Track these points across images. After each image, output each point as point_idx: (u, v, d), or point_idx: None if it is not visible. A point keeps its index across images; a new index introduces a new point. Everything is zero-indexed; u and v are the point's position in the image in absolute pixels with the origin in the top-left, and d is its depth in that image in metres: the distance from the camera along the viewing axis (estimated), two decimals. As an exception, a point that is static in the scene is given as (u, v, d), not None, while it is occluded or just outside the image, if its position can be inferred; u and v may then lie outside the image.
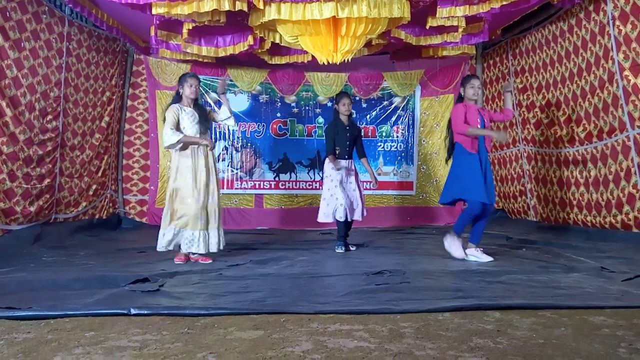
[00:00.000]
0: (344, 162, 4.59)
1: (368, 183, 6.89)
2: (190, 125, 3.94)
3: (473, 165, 3.82)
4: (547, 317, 2.27)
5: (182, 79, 4.03)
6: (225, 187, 6.72)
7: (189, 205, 3.83)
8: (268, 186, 6.85)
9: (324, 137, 4.79)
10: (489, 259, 3.79)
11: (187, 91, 3.96)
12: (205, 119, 4.03)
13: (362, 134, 4.92)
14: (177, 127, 3.89)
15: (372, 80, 6.96)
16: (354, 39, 4.32)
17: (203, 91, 6.72)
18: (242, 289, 2.93)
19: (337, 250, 4.49)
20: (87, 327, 2.17)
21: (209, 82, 6.73)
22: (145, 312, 2.36)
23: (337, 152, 4.56)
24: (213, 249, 3.91)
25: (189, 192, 3.84)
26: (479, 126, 3.91)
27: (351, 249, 4.62)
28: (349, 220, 4.54)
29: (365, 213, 4.70)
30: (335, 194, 4.51)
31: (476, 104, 4.01)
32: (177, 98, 4.05)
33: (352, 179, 4.66)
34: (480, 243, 3.95)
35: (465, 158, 3.88)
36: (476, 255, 3.85)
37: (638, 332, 2.02)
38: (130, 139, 6.71)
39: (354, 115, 6.86)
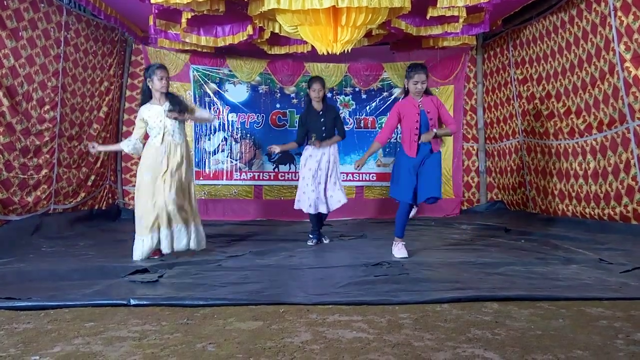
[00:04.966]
0: (320, 149, 4.46)
1: (365, 174, 6.94)
2: (155, 124, 3.67)
3: (404, 167, 3.69)
4: (545, 308, 2.28)
5: (149, 71, 3.66)
6: (224, 178, 6.72)
7: (146, 205, 3.58)
8: (267, 177, 6.84)
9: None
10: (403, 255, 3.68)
11: (158, 84, 3.64)
12: (178, 106, 3.69)
13: (340, 115, 4.70)
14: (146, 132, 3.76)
15: (372, 71, 6.92)
16: (354, 29, 4.28)
17: (202, 81, 6.70)
18: (241, 280, 2.94)
19: (308, 243, 4.45)
20: (86, 318, 2.18)
21: (208, 73, 6.70)
22: (145, 302, 2.37)
23: (313, 138, 4.50)
24: (180, 247, 3.64)
25: (146, 191, 3.61)
26: (417, 122, 3.62)
27: (324, 241, 4.54)
28: (314, 213, 4.46)
29: (337, 205, 4.45)
30: (308, 184, 4.46)
31: (425, 95, 3.69)
32: (147, 96, 3.73)
33: (325, 166, 4.46)
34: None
35: (400, 158, 3.78)
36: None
37: (635, 324, 2.03)
38: (129, 130, 6.66)
39: (352, 107, 6.84)
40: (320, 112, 4.52)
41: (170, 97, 3.77)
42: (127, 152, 3.89)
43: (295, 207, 4.56)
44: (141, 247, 3.56)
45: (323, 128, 4.50)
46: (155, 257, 3.69)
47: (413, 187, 3.68)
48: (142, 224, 3.58)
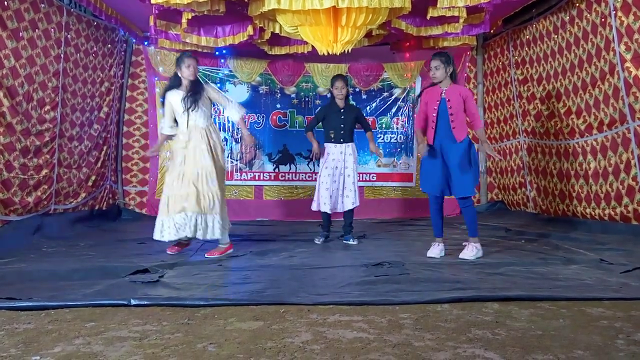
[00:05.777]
0: (338, 147, 4.53)
1: (368, 174, 6.94)
2: (180, 109, 3.85)
3: (427, 158, 3.69)
4: (546, 308, 2.28)
5: (178, 60, 3.86)
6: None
7: (174, 189, 3.72)
8: (268, 177, 6.85)
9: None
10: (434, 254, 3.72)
11: (186, 72, 3.81)
12: (192, 94, 3.81)
13: (363, 114, 4.89)
14: (174, 117, 3.93)
15: (372, 71, 6.92)
16: (354, 30, 4.28)
17: (202, 82, 6.69)
18: (242, 280, 2.95)
19: (315, 241, 4.51)
20: (87, 318, 2.18)
21: (208, 73, 6.70)
22: (146, 302, 2.37)
23: (331, 135, 4.54)
24: (199, 236, 3.68)
25: (174, 176, 3.78)
26: (435, 109, 3.62)
27: (352, 242, 4.52)
28: (324, 212, 4.52)
29: (351, 206, 4.52)
30: (324, 182, 4.51)
31: (454, 85, 3.67)
32: (175, 83, 3.89)
33: (341, 166, 4.51)
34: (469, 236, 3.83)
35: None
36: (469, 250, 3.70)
37: (636, 324, 2.03)
38: (129, 130, 6.69)
39: (351, 101, 6.85)
40: (342, 110, 4.57)
41: (191, 86, 3.86)
42: (169, 134, 4.01)
43: (313, 208, 4.64)
44: (160, 228, 3.73)
45: (342, 125, 4.53)
46: (174, 252, 3.82)
47: (437, 179, 3.62)
48: (162, 205, 3.77)
